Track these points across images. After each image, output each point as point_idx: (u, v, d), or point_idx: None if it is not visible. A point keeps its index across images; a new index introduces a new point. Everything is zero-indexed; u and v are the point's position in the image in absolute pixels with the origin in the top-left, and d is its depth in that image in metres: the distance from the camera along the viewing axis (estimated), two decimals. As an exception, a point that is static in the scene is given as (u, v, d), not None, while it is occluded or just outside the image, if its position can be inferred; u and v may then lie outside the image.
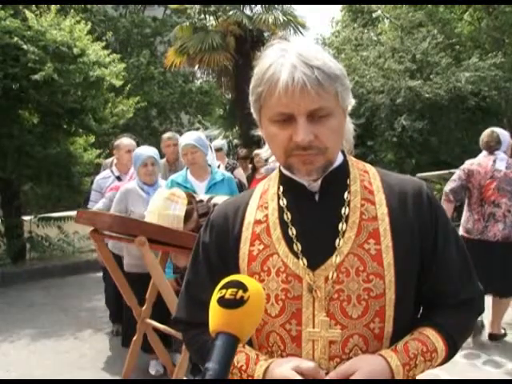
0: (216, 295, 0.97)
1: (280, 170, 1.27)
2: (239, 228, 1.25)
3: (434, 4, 14.50)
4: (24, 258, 7.69)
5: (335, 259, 1.15)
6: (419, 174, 9.76)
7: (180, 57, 13.10)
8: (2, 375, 4.16)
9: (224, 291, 0.96)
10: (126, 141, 4.76)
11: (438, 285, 1.22)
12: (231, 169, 5.88)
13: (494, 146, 4.26)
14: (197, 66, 14.51)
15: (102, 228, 3.15)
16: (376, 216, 1.18)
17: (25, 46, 6.40)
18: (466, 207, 4.41)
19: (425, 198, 1.21)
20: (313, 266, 1.16)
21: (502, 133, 4.35)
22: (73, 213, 4.58)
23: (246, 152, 7.78)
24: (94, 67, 7.01)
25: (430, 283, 1.21)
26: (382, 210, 1.19)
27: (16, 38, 6.41)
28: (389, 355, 1.13)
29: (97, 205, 4.35)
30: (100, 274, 5.31)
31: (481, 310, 1.29)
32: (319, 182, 1.20)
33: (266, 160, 1.35)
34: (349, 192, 1.21)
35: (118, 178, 4.65)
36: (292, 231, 1.19)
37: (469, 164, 4.33)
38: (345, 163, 1.25)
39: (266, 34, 13.98)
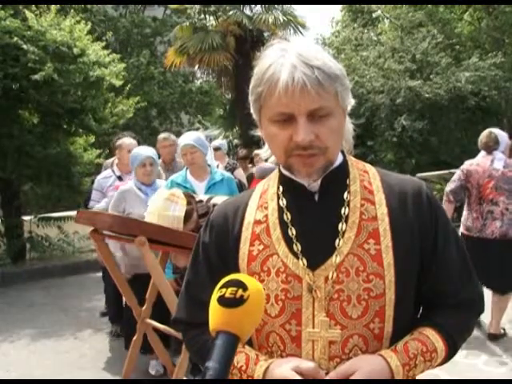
0: (216, 294, 0.97)
1: (280, 170, 1.27)
2: (239, 228, 1.25)
3: (434, 4, 14.51)
4: (24, 258, 7.69)
5: (335, 259, 1.15)
6: (419, 174, 9.76)
7: (180, 57, 13.11)
8: (1, 375, 4.16)
9: (224, 290, 0.96)
10: (127, 141, 4.77)
11: (437, 285, 1.22)
12: (231, 169, 5.88)
13: (492, 146, 4.38)
14: (197, 66, 14.53)
15: (102, 228, 3.14)
16: (376, 216, 1.18)
17: (25, 46, 6.40)
18: (465, 206, 4.53)
19: (425, 198, 1.21)
20: (313, 266, 1.16)
21: (500, 133, 4.47)
22: (73, 213, 4.58)
23: (246, 152, 7.79)
24: (94, 67, 7.01)
25: (429, 283, 1.21)
26: (382, 209, 1.19)
27: (16, 38, 6.41)
28: (389, 355, 1.13)
29: (99, 204, 4.35)
30: (100, 274, 5.31)
31: (481, 310, 1.29)
32: (319, 181, 1.20)
33: (266, 160, 1.35)
34: (348, 192, 1.21)
35: (119, 178, 4.65)
36: (292, 231, 1.19)
37: (468, 164, 4.45)
38: (344, 163, 1.25)
39: (265, 34, 14.00)
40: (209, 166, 3.92)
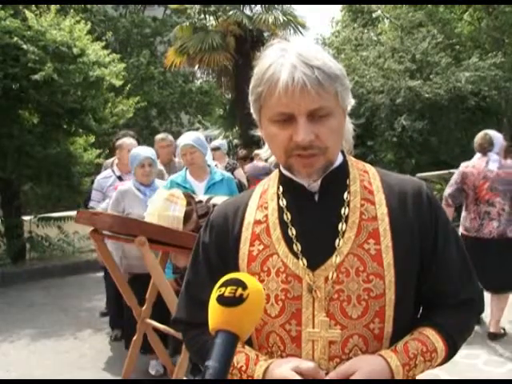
0: (215, 293, 0.97)
1: (280, 170, 1.27)
2: (239, 228, 1.25)
3: (434, 4, 14.51)
4: (24, 258, 7.69)
5: (335, 259, 1.15)
6: (419, 174, 9.76)
7: (180, 57, 13.11)
8: (1, 375, 4.16)
9: (223, 289, 0.96)
10: (128, 141, 4.77)
11: (437, 285, 1.22)
12: (231, 169, 5.88)
13: (487, 147, 4.43)
14: (197, 66, 14.52)
15: (102, 228, 3.14)
16: (376, 216, 1.18)
17: (25, 46, 6.40)
18: (464, 207, 4.59)
19: (424, 198, 1.21)
20: (313, 266, 1.16)
21: (495, 135, 4.52)
22: (73, 213, 4.58)
23: (246, 152, 7.79)
24: (94, 67, 7.01)
25: (429, 283, 1.21)
26: (382, 210, 1.19)
27: (16, 38, 6.41)
28: (389, 355, 1.13)
29: (101, 205, 4.35)
30: (100, 274, 5.32)
31: (480, 310, 1.30)
32: (319, 182, 1.20)
33: (266, 160, 1.34)
34: (348, 192, 1.21)
35: (119, 178, 4.65)
36: (292, 231, 1.19)
37: (463, 166, 4.52)
38: (344, 163, 1.25)
39: (265, 34, 13.99)
40: (208, 166, 3.92)
